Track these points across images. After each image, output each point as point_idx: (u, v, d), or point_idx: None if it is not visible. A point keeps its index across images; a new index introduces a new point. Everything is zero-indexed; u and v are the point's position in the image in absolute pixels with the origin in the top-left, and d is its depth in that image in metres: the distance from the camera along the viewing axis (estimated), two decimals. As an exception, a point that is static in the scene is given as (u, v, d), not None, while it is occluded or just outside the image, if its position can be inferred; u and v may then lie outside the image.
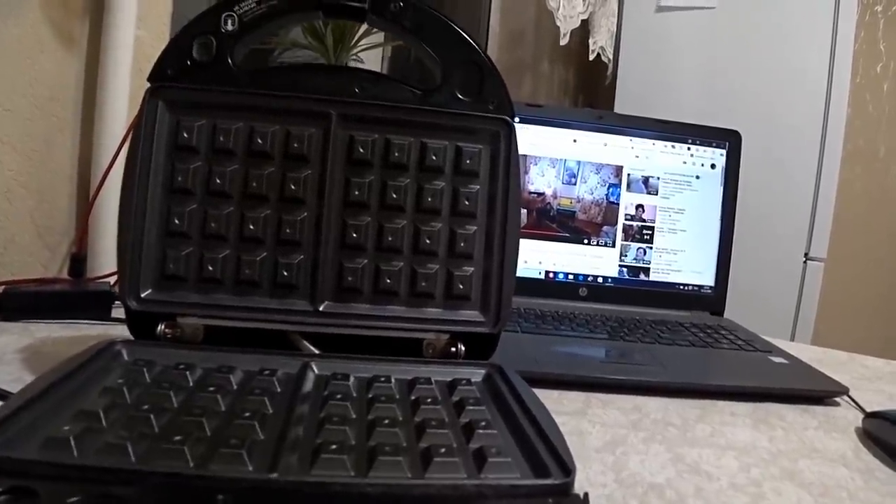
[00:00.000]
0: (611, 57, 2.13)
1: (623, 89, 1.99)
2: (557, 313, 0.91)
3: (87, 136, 0.95)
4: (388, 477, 0.34)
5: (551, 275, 1.00)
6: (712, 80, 1.90)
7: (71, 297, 0.78)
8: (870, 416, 0.62)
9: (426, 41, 0.58)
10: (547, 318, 0.87)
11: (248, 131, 0.56)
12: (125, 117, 0.93)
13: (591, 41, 2.04)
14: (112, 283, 0.82)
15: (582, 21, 1.96)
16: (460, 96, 0.58)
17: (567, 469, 0.35)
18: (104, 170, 0.87)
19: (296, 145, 0.56)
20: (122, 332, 0.66)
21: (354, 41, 1.35)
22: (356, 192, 0.57)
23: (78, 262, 0.87)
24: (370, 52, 1.45)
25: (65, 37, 0.91)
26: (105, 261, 0.92)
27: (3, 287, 0.74)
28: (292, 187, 0.56)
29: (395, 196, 0.57)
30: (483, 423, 0.41)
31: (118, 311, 0.74)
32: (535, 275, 0.99)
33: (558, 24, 1.88)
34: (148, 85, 0.56)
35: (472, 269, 0.58)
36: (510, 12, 2.20)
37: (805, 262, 1.85)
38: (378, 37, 1.31)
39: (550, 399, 0.59)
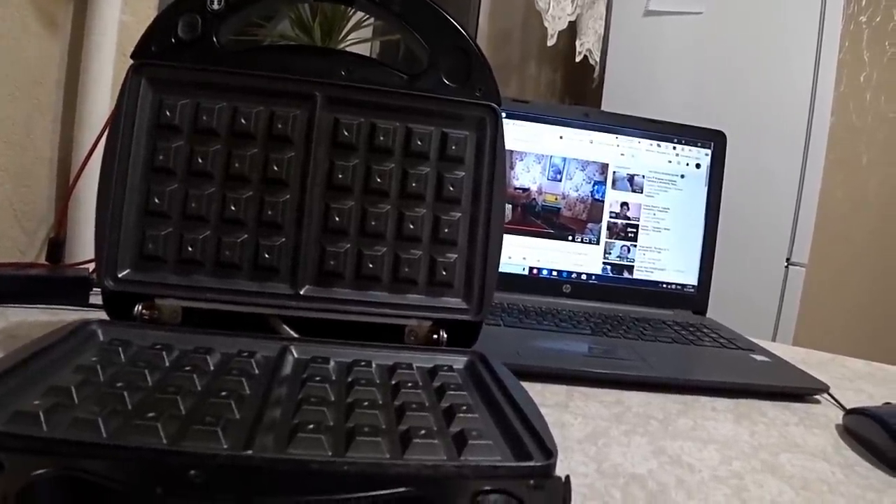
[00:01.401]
0: (598, 59, 2.13)
1: (610, 92, 1.99)
2: (541, 309, 0.91)
3: (68, 120, 0.93)
4: (367, 457, 0.34)
5: (535, 271, 0.99)
6: (698, 85, 1.91)
7: (48, 282, 0.77)
8: (850, 412, 0.62)
9: (414, 26, 0.58)
10: (530, 314, 0.87)
11: (231, 111, 0.55)
12: (108, 102, 0.92)
13: (578, 43, 2.04)
14: (90, 269, 0.81)
15: (569, 23, 1.96)
16: (447, 82, 0.58)
17: (549, 452, 0.35)
18: (85, 155, 0.85)
19: (280, 126, 0.55)
20: (100, 318, 0.65)
21: (343, 35, 1.35)
22: (340, 176, 0.56)
23: (56, 247, 0.86)
24: (358, 47, 1.44)
25: (48, 20, 0.89)
26: (84, 247, 0.91)
27: (-22, 271, 0.73)
28: (275, 169, 0.55)
29: (379, 180, 0.57)
30: (464, 408, 0.41)
31: (96, 298, 0.73)
32: (518, 271, 0.99)
33: (546, 25, 1.88)
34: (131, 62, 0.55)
35: (456, 255, 0.58)
36: (498, 12, 2.20)
37: (787, 266, 1.86)
38: (367, 31, 1.30)
39: (532, 391, 0.58)
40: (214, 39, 0.55)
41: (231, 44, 0.56)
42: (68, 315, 0.71)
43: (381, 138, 0.56)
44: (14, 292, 0.73)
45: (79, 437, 0.31)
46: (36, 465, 0.29)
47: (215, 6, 0.55)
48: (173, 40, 0.54)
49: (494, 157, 0.58)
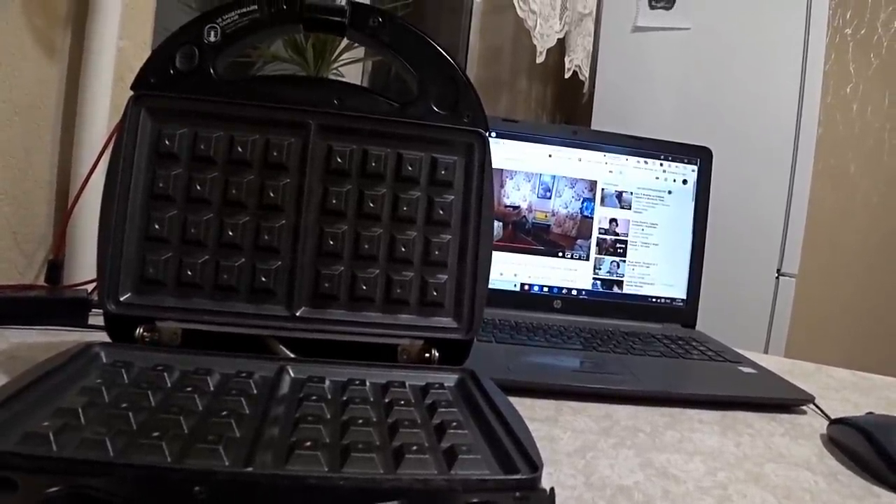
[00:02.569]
0: (587, 75, 2.16)
1: (600, 107, 2.02)
2: (532, 325, 0.92)
3: (66, 143, 0.95)
4: (362, 472, 0.35)
5: (526, 287, 1.01)
6: (687, 99, 1.94)
7: (47, 303, 0.78)
8: (834, 422, 0.64)
9: (403, 56, 0.60)
10: (521, 330, 0.89)
11: (228, 140, 0.57)
12: (105, 126, 0.94)
13: (567, 60, 2.06)
14: (89, 290, 0.82)
15: (558, 39, 1.99)
16: (436, 109, 0.60)
17: (534, 465, 0.37)
18: (83, 178, 0.87)
19: (275, 154, 0.57)
20: (99, 339, 0.66)
21: (335, 56, 1.37)
22: (333, 201, 0.58)
23: (55, 268, 0.87)
24: (350, 67, 1.46)
25: (47, 44, 0.91)
26: (82, 268, 0.92)
27: (-22, 293, 0.74)
28: (271, 195, 0.57)
29: (371, 205, 0.58)
30: (454, 424, 0.43)
31: (94, 319, 0.74)
32: (510, 287, 1.00)
33: (535, 42, 1.90)
34: (131, 93, 0.56)
35: (446, 276, 0.59)
36: (489, 30, 2.23)
37: (777, 277, 1.87)
38: (359, 52, 1.32)
39: (523, 406, 0.60)
40: (211, 70, 0.57)
41: (227, 70, 0.58)
42: (68, 336, 0.72)
43: (373, 164, 0.58)
44: (14, 314, 0.74)
45: (88, 457, 0.33)
46: (48, 484, 0.30)
47: (212, 38, 0.57)
48: (171, 71, 0.56)
49: (482, 181, 0.60)
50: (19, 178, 0.90)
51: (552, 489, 0.35)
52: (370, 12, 0.59)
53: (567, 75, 2.07)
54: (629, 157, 1.05)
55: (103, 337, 0.55)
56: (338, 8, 0.58)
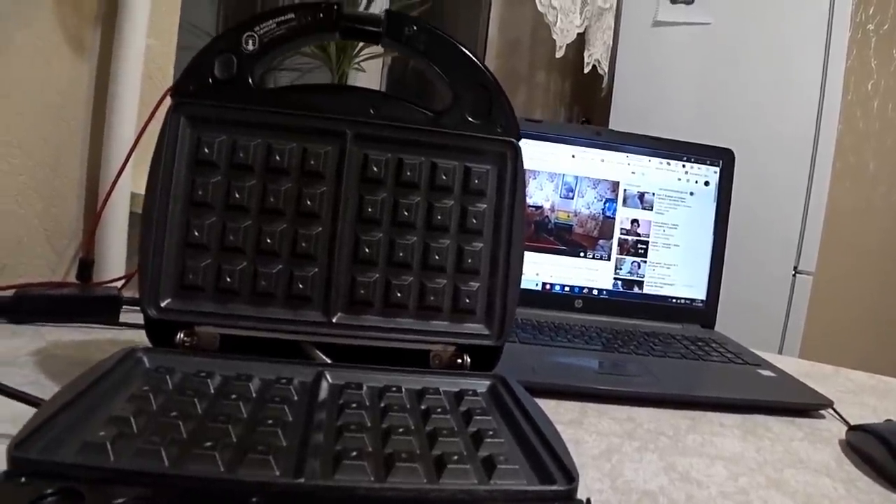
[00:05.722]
0: (606, 70, 2.16)
1: (619, 102, 2.02)
2: (554, 324, 0.94)
3: (96, 141, 0.97)
4: (407, 482, 0.37)
5: (548, 286, 1.02)
6: (706, 94, 1.93)
7: (81, 301, 0.79)
8: (853, 428, 0.65)
9: (438, 64, 0.61)
10: (544, 329, 0.90)
11: (266, 148, 0.58)
12: (135, 124, 0.95)
13: (586, 54, 2.06)
14: (119, 287, 0.84)
15: (578, 34, 1.99)
16: (470, 118, 0.60)
17: (570, 476, 0.38)
18: (113, 175, 0.88)
19: (312, 162, 0.58)
20: (131, 336, 0.67)
21: (357, 51, 1.38)
22: (369, 209, 0.59)
23: (86, 266, 0.89)
24: (371, 62, 1.47)
25: (77, 43, 0.93)
26: (112, 266, 0.94)
27: (15, 290, 0.76)
28: (308, 203, 0.58)
29: (406, 213, 0.59)
30: (490, 433, 0.44)
31: (125, 316, 0.76)
32: (532, 286, 1.02)
33: (555, 37, 1.90)
34: (159, 91, 0.58)
35: (478, 284, 0.60)
36: (508, 23, 2.23)
37: (794, 275, 1.88)
38: (379, 48, 1.33)
39: (548, 408, 0.61)
40: (249, 79, 0.58)
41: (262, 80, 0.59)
42: (100, 333, 0.74)
43: (408, 173, 0.59)
44: (50, 311, 0.75)
45: (148, 468, 0.34)
46: (113, 495, 0.32)
47: (250, 47, 0.58)
48: (210, 80, 0.57)
49: (515, 190, 0.61)
50: (50, 176, 0.92)
51: (589, 500, 0.37)
52: (405, 21, 0.60)
53: (586, 70, 2.07)
54: (652, 158, 1.05)
55: (135, 334, 0.57)
56: (374, 18, 0.59)
